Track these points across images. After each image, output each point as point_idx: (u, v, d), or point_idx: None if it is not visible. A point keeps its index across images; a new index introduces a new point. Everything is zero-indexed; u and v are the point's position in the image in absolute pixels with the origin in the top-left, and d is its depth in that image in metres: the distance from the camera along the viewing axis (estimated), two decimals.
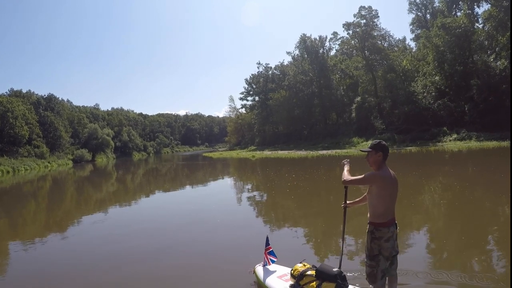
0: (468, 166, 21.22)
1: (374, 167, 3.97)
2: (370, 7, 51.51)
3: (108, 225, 11.09)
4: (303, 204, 12.57)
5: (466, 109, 40.50)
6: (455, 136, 37.78)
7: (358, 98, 51.85)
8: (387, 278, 4.03)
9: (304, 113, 61.46)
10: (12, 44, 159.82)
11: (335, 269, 4.40)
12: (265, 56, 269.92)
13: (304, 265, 4.81)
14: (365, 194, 4.14)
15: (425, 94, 44.92)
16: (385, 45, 56.58)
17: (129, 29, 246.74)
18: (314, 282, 4.44)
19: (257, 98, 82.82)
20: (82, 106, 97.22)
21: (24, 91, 69.47)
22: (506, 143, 29.26)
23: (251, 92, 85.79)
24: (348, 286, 4.36)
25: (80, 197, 20.74)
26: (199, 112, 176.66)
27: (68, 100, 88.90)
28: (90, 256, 7.52)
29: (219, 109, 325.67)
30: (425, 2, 56.97)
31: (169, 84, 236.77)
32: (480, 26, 42.58)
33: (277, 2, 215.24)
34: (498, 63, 42.12)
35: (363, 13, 51.84)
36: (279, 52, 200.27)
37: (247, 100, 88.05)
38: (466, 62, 41.98)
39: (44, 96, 71.23)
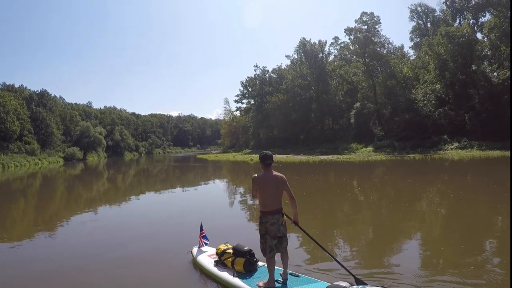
0: (473, 174, 20.98)
1: (262, 171, 5.19)
2: (372, 13, 51.24)
3: (96, 225, 11.03)
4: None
5: (467, 118, 40.39)
6: (456, 144, 37.54)
7: (358, 104, 51.50)
8: (280, 254, 5.20)
9: (302, 117, 60.85)
10: (6, 38, 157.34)
11: (246, 248, 5.73)
12: (261, 60, 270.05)
13: (226, 245, 6.10)
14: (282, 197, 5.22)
15: (425, 102, 44.76)
16: (384, 52, 56.34)
17: (125, 27, 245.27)
18: (231, 258, 5.75)
19: (252, 101, 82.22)
20: (75, 103, 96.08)
21: (16, 85, 68.30)
22: (509, 153, 29.05)
23: (246, 95, 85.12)
24: (257, 261, 5.72)
25: (70, 196, 20.37)
26: (191, 114, 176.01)
27: (60, 97, 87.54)
28: (78, 255, 7.54)
29: (211, 111, 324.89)
30: (426, 10, 57.00)
31: (162, 84, 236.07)
32: (484, 35, 42.47)
33: (278, 5, 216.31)
34: (495, 73, 42.20)
35: (364, 19, 51.52)
36: (275, 56, 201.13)
37: (242, 103, 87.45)
38: (468, 71, 41.86)
39: (37, 92, 70.12)
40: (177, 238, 8.59)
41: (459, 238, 7.92)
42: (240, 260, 5.60)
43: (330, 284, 4.76)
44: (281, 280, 5.16)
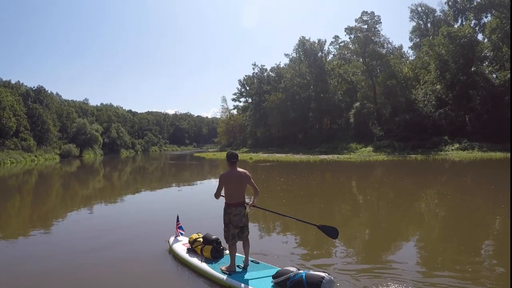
0: (480, 176, 20.76)
1: (228, 168, 5.85)
2: (372, 12, 50.97)
3: (90, 222, 11.09)
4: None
5: (467, 119, 40.30)
6: (457, 145, 37.40)
7: (357, 104, 51.23)
8: (241, 242, 5.89)
9: (300, 116, 60.52)
10: (3, 34, 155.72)
11: (214, 237, 6.49)
12: (258, 59, 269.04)
13: (198, 235, 6.80)
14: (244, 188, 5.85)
15: (425, 102, 44.60)
16: (383, 51, 55.99)
17: (122, 24, 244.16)
18: (200, 245, 6.49)
19: (250, 100, 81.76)
20: (71, 100, 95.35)
21: (13, 82, 67.63)
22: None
23: (244, 94, 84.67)
24: (224, 249, 6.44)
25: (66, 193, 20.33)
26: (188, 112, 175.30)
27: (57, 94, 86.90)
28: (72, 253, 7.62)
29: (207, 110, 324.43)
30: (426, 11, 56.88)
31: (159, 82, 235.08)
32: (485, 36, 42.34)
33: (275, 5, 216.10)
34: (494, 75, 42.12)
35: (365, 18, 51.29)
36: (273, 55, 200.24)
37: (240, 101, 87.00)
38: (469, 72, 41.75)
39: (33, 88, 69.44)
40: (161, 230, 8.95)
41: (458, 239, 8.00)
42: (208, 247, 6.36)
43: (280, 268, 5.36)
44: (242, 266, 5.82)
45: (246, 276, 5.50)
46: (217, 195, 5.93)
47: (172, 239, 7.41)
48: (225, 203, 5.81)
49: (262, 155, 49.99)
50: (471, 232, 8.49)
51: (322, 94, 58.79)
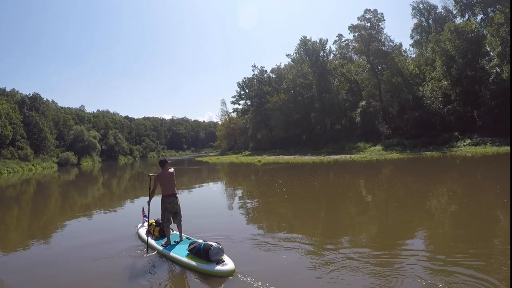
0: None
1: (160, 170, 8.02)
2: (375, 10, 49.99)
3: (90, 231, 11.17)
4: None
5: (475, 114, 39.46)
6: (468, 141, 36.47)
7: (363, 103, 50.28)
8: (176, 225, 8.04)
9: (303, 117, 59.43)
10: None
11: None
12: (256, 61, 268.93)
13: (154, 220, 8.84)
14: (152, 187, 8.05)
15: (433, 99, 43.78)
16: (385, 49, 55.04)
17: (117, 30, 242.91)
18: (153, 228, 8.71)
19: (249, 102, 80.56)
20: (68, 107, 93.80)
21: (8, 89, 66.26)
22: None
23: (243, 96, 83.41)
24: (172, 230, 8.38)
25: (65, 202, 20.22)
26: (185, 117, 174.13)
27: (53, 101, 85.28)
28: (73, 262, 7.78)
29: (203, 114, 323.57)
30: (428, 7, 56.20)
31: (153, 87, 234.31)
32: (489, 32, 41.50)
33: (273, 6, 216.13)
34: (496, 69, 41.28)
35: (367, 16, 50.39)
36: (270, 58, 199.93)
37: (239, 104, 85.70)
38: (477, 68, 40.97)
39: (29, 96, 68.11)
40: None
41: (469, 235, 8.01)
42: (157, 229, 8.61)
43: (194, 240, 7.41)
44: (177, 241, 7.88)
45: (175, 247, 7.53)
46: (151, 196, 7.98)
47: (139, 225, 9.76)
48: (162, 195, 7.81)
49: (268, 158, 48.88)
50: (487, 229, 8.50)
51: (326, 94, 57.49)
